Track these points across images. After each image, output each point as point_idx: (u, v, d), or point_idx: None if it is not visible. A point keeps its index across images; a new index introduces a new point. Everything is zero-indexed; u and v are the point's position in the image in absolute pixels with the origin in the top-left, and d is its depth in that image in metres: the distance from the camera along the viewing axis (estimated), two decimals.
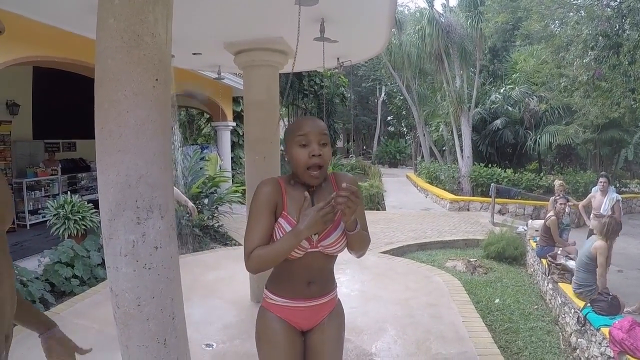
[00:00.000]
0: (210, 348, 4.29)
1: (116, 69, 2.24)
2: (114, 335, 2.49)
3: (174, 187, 4.05)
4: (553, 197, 7.81)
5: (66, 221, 7.27)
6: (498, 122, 17.90)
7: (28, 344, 4.34)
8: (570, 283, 6.06)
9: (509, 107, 18.19)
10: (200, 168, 10.69)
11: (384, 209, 15.06)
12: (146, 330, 2.33)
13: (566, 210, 7.65)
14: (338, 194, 1.80)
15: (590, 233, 7.64)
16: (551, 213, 7.36)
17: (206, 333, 4.56)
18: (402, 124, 33.22)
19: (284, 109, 23.20)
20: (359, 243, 2.08)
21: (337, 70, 6.22)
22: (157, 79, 2.30)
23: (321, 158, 1.96)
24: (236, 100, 15.02)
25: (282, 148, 2.08)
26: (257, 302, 5.28)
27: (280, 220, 1.98)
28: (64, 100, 10.68)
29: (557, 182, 8.73)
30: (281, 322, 2.13)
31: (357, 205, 1.82)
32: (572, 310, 5.49)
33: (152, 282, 2.31)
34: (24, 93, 10.13)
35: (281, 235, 1.95)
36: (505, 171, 16.28)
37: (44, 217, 8.53)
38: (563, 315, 5.86)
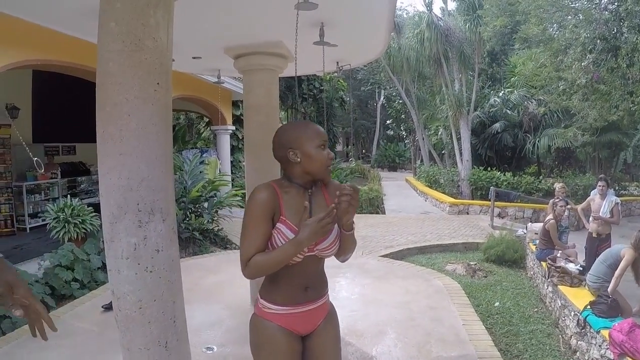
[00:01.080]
0: (211, 351, 4.30)
1: (117, 72, 2.25)
2: (115, 338, 2.50)
3: None
4: (552, 200, 7.81)
5: (66, 224, 7.26)
6: (497, 125, 17.92)
7: (29, 347, 4.35)
8: (570, 285, 6.07)
9: (508, 111, 18.22)
10: (200, 172, 10.68)
11: (384, 213, 15.05)
12: (147, 333, 2.33)
13: (565, 213, 7.66)
14: (343, 192, 1.90)
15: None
16: (550, 216, 7.37)
17: (206, 336, 4.57)
18: (401, 128, 33.23)
19: (283, 112, 23.23)
20: (351, 244, 2.14)
21: (336, 74, 6.24)
22: (158, 83, 2.31)
23: (332, 159, 2.15)
24: (235, 104, 15.04)
25: (291, 151, 2.10)
26: None
27: (280, 225, 2.00)
28: (63, 104, 10.68)
29: (557, 185, 8.73)
30: (282, 331, 2.11)
31: (358, 204, 1.93)
32: (572, 313, 5.49)
33: (154, 285, 2.31)
34: (23, 96, 10.14)
35: (281, 240, 1.98)
36: (504, 174, 16.28)
37: (43, 220, 8.52)
38: (563, 318, 5.86)
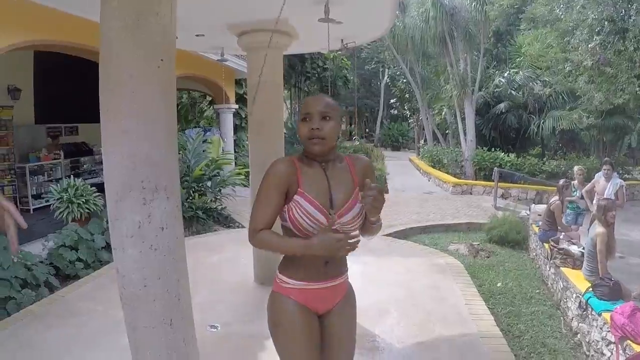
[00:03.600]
0: (215, 330, 4.32)
1: (120, 49, 2.22)
2: (119, 317, 2.51)
3: None
4: (560, 183, 7.79)
5: (70, 205, 7.26)
6: (501, 106, 17.77)
7: (34, 328, 4.38)
8: (572, 267, 6.07)
9: (513, 91, 18.03)
10: (203, 150, 10.66)
11: (387, 192, 15.01)
12: (152, 311, 2.34)
13: (577, 194, 7.95)
14: (366, 193, 1.90)
15: (594, 218, 7.64)
16: (555, 197, 7.34)
17: (210, 315, 4.59)
18: (405, 107, 33.00)
19: (286, 91, 23.10)
20: (375, 230, 2.17)
21: (340, 52, 6.19)
22: (162, 59, 2.28)
23: (319, 131, 2.02)
24: (239, 83, 14.97)
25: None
26: (260, 283, 5.30)
27: (297, 197, 2.01)
28: (65, 85, 10.61)
29: (575, 168, 8.75)
30: (300, 307, 2.09)
31: (383, 203, 1.94)
32: (574, 295, 5.50)
33: (158, 263, 2.31)
34: (25, 78, 10.06)
35: (300, 213, 1.98)
36: (508, 155, 16.20)
37: (47, 201, 8.53)
38: (565, 300, 5.87)
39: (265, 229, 2.02)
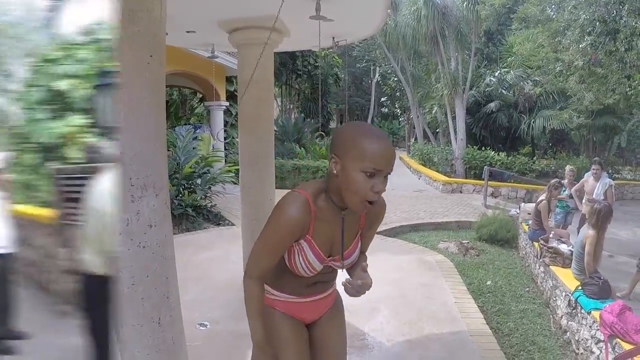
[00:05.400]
0: (204, 328, 4.31)
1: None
2: None
3: None
4: (551, 182, 7.83)
5: None
6: (492, 105, 17.86)
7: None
8: (562, 266, 6.09)
9: (504, 91, 18.13)
10: (193, 148, 10.60)
11: None
12: (140, 309, 2.31)
13: (565, 193, 7.99)
14: (352, 281, 1.81)
15: (583, 218, 7.67)
16: (543, 197, 7.37)
17: (199, 313, 4.57)
18: (396, 106, 33.11)
19: (277, 88, 23.07)
20: None
21: (332, 50, 6.16)
22: (151, 55, 2.26)
23: (380, 194, 1.74)
24: (229, 80, 14.91)
25: (333, 159, 1.72)
26: None
27: (303, 243, 1.87)
28: None
29: (567, 167, 8.81)
30: (288, 318, 2.07)
31: (366, 290, 1.83)
32: (563, 294, 5.52)
33: (147, 261, 2.29)
34: None
35: (301, 259, 1.89)
36: (498, 154, 16.30)
37: None
38: (554, 298, 5.90)
39: (259, 280, 1.97)
